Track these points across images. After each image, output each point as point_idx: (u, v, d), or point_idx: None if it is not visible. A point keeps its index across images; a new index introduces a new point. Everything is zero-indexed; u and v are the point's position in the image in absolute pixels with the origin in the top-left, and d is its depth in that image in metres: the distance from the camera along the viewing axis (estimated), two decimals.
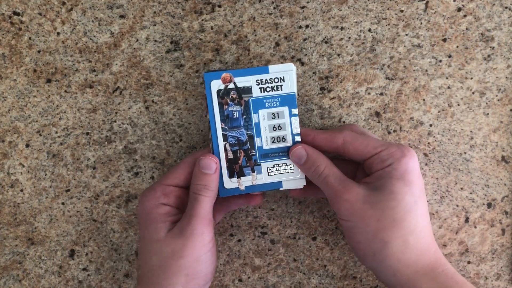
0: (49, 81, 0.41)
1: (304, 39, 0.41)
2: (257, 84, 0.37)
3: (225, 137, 0.37)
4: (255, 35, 0.41)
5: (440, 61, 0.41)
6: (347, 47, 0.41)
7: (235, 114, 0.37)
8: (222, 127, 0.37)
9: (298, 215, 0.42)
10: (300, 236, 0.43)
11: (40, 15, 0.41)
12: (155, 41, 0.41)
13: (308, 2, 0.41)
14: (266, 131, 0.37)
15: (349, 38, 0.41)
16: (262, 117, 0.37)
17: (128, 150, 0.42)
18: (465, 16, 0.41)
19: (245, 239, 0.43)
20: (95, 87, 0.42)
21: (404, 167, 0.34)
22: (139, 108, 0.42)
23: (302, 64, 0.41)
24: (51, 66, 0.41)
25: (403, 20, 0.41)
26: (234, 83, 0.37)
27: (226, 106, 0.37)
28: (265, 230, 0.43)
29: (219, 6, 0.41)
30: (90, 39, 0.41)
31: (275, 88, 0.37)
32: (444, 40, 0.41)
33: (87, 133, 0.42)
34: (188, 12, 0.41)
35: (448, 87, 0.41)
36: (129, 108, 0.42)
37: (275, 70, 0.37)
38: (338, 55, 0.41)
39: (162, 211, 0.36)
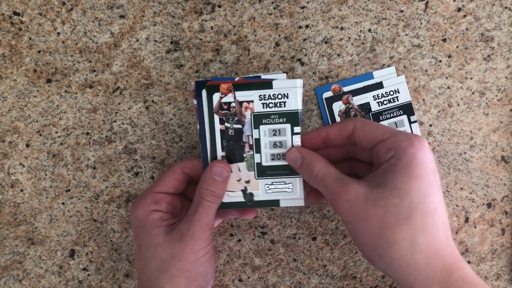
0: (49, 81, 0.41)
1: (304, 39, 0.41)
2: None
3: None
4: (255, 35, 0.41)
5: (440, 61, 0.41)
6: (347, 47, 0.41)
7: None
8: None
9: (298, 215, 0.42)
10: (300, 236, 0.43)
11: (40, 15, 0.41)
12: (155, 41, 0.41)
13: (308, 2, 0.41)
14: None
15: (349, 38, 0.41)
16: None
17: (128, 150, 0.42)
18: (465, 16, 0.41)
19: (245, 239, 0.43)
20: (95, 87, 0.42)
21: (409, 158, 0.30)
22: (139, 108, 0.42)
23: (302, 64, 0.41)
24: (51, 66, 0.41)
25: (403, 20, 0.41)
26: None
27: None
28: (265, 230, 0.43)
29: (219, 6, 0.41)
30: (90, 39, 0.41)
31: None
32: (444, 40, 0.41)
33: (87, 133, 0.42)
34: (188, 12, 0.41)
35: (448, 87, 0.41)
36: (129, 108, 0.42)
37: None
38: (338, 55, 0.41)
39: (155, 217, 0.36)
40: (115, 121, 0.42)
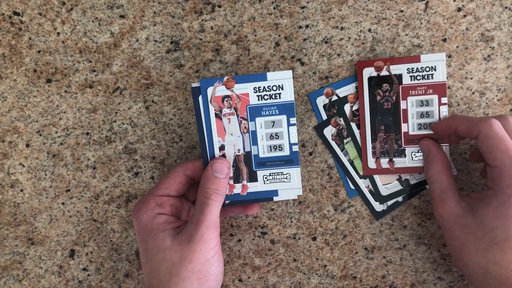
0: (49, 81, 0.41)
1: (304, 39, 0.41)
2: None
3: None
4: (255, 35, 0.41)
5: None
6: (347, 47, 0.41)
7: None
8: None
9: (298, 215, 0.42)
10: (300, 236, 0.43)
11: (40, 15, 0.41)
12: (155, 41, 0.41)
13: (308, 2, 0.41)
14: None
15: (349, 38, 0.41)
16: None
17: (128, 150, 0.42)
18: (465, 16, 0.41)
19: (245, 239, 0.43)
20: (95, 87, 0.42)
21: (504, 199, 0.32)
22: (139, 108, 0.42)
23: (302, 64, 0.41)
24: (51, 66, 0.41)
25: (403, 20, 0.41)
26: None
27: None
28: (265, 230, 0.43)
29: (219, 6, 0.41)
30: (90, 39, 0.41)
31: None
32: (444, 40, 0.41)
33: (87, 133, 0.42)
34: (188, 12, 0.41)
35: (448, 87, 0.41)
36: (129, 108, 0.42)
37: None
38: (338, 55, 0.41)
39: (161, 221, 0.36)
40: (115, 121, 0.42)
